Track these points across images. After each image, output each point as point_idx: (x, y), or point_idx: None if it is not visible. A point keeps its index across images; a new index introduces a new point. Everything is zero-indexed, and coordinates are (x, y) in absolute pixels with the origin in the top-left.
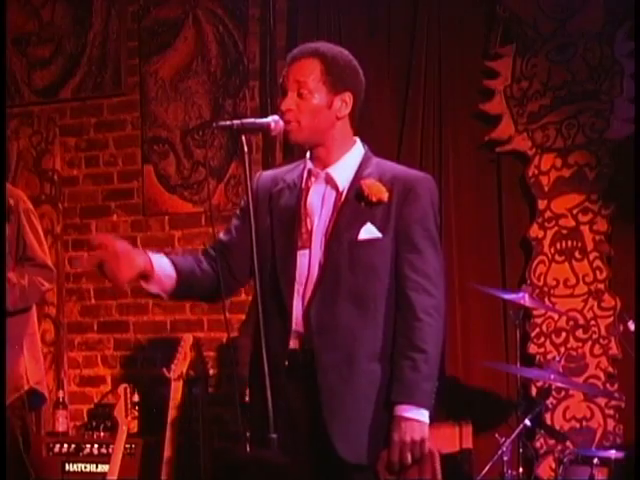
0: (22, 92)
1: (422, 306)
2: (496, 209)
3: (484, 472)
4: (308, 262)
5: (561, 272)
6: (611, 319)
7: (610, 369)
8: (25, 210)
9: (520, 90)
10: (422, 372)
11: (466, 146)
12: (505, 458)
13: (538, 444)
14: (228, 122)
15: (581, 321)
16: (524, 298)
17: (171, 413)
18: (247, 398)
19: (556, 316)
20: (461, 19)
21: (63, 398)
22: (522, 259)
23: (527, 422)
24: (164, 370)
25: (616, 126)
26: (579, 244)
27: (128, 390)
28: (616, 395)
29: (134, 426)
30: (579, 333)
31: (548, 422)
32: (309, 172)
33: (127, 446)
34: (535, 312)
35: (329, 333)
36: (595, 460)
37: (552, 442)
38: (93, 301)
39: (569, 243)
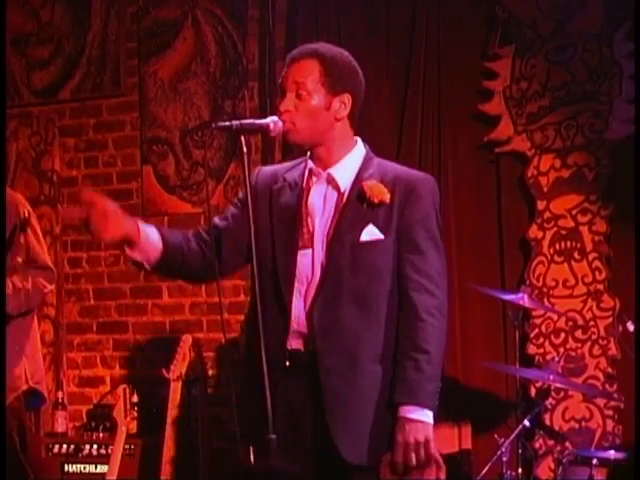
0: (21, 93)
1: (425, 307)
2: (495, 210)
3: (483, 473)
4: (311, 263)
5: (560, 273)
6: (610, 320)
7: (609, 370)
8: (24, 213)
9: (519, 91)
10: (425, 373)
11: (465, 147)
12: (504, 458)
13: (537, 444)
14: (227, 123)
15: (580, 322)
16: (523, 299)
17: (170, 414)
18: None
19: (555, 317)
20: (460, 20)
21: (62, 399)
22: (521, 260)
23: (526, 422)
24: (163, 371)
25: (615, 127)
26: (578, 245)
27: (127, 391)
28: (615, 396)
29: (133, 427)
30: (578, 334)
31: (547, 423)
32: (310, 171)
33: (126, 447)
34: (534, 313)
35: (332, 335)
36: (594, 461)
37: (551, 443)
38: (92, 302)
39: (568, 244)
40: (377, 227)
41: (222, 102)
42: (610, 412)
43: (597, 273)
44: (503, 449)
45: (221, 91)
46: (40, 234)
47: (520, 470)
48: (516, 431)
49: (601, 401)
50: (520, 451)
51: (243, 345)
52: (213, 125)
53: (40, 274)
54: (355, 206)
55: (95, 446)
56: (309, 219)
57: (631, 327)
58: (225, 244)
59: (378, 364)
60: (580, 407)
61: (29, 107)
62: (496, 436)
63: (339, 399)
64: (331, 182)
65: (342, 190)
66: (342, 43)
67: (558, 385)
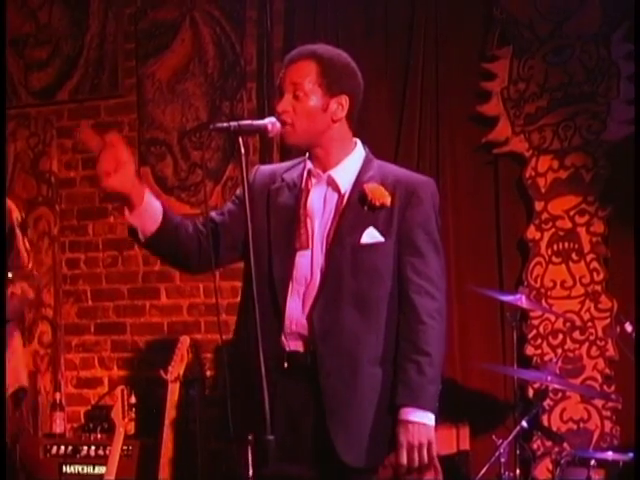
0: (19, 94)
1: (425, 309)
2: (493, 211)
3: (481, 474)
4: (310, 264)
5: (558, 274)
6: (608, 321)
7: (607, 371)
8: (17, 219)
9: (517, 92)
10: (427, 375)
11: (463, 147)
12: (502, 460)
13: (535, 446)
14: (225, 124)
15: (578, 323)
16: (521, 300)
17: (168, 415)
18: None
19: (553, 318)
20: (458, 21)
21: (60, 400)
22: (519, 261)
23: (524, 424)
24: (161, 372)
25: (613, 128)
26: (576, 246)
27: (125, 392)
28: (613, 397)
29: (131, 428)
30: (576, 335)
31: (545, 424)
32: (309, 173)
33: (124, 448)
34: (532, 314)
35: (332, 337)
36: (592, 462)
37: (549, 444)
38: (90, 303)
39: (566, 245)
40: (377, 230)
41: (220, 103)
42: (608, 413)
43: (595, 274)
44: (501, 450)
45: (219, 92)
46: (26, 240)
47: (518, 471)
48: (514, 432)
49: (599, 402)
50: (518, 452)
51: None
52: (211, 126)
53: (25, 281)
54: (356, 208)
55: (93, 447)
56: (308, 220)
57: (629, 328)
58: (220, 239)
59: (378, 367)
60: (578, 408)
61: (27, 108)
62: (494, 437)
63: (339, 401)
64: (331, 184)
65: (342, 192)
66: (340, 44)
67: (556, 386)
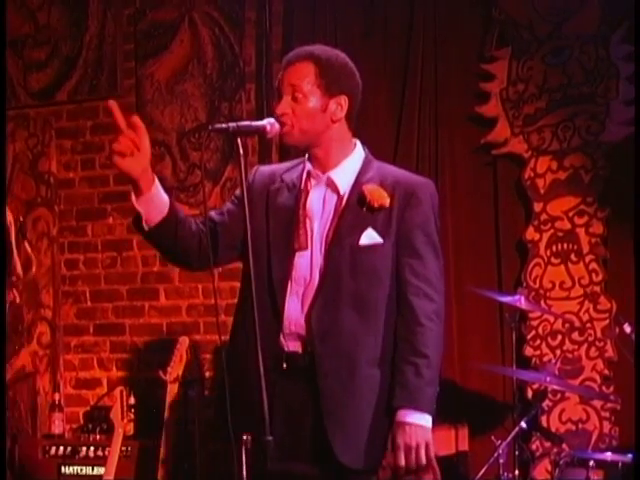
0: (18, 95)
1: (424, 311)
2: (492, 212)
3: (480, 474)
4: (309, 265)
5: (557, 275)
6: (607, 322)
7: (606, 371)
8: (9, 222)
9: (516, 93)
10: (425, 377)
11: (462, 149)
12: (501, 460)
13: (534, 446)
14: (224, 125)
15: (577, 324)
16: (520, 301)
17: (167, 415)
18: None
19: (552, 318)
20: (457, 21)
21: (59, 401)
22: (518, 261)
23: (523, 424)
24: (160, 373)
25: (612, 129)
26: (575, 247)
27: (124, 393)
28: (612, 397)
29: (130, 428)
30: (575, 336)
31: (544, 424)
32: (309, 174)
33: (123, 448)
34: (531, 315)
35: (331, 338)
36: (591, 462)
37: (548, 444)
38: (89, 304)
39: (565, 246)
40: (376, 231)
41: (219, 104)
42: (607, 414)
43: (594, 275)
44: (500, 451)
45: (218, 93)
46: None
47: (517, 472)
48: (513, 433)
49: (598, 403)
50: (517, 453)
51: (229, 345)
52: (210, 127)
53: (13, 285)
54: (355, 210)
55: (92, 448)
56: (307, 221)
57: (628, 329)
58: (220, 238)
59: (376, 368)
60: (577, 409)
61: (26, 109)
62: (493, 438)
63: (337, 403)
64: (330, 185)
65: (342, 193)
66: (339, 45)
67: (555, 387)
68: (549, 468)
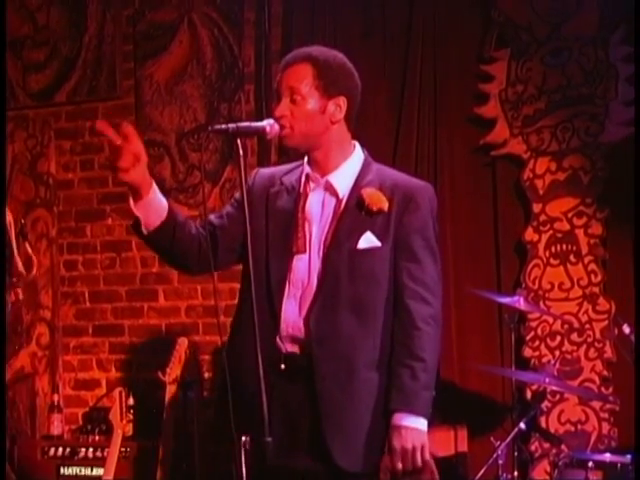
0: (17, 95)
1: (421, 315)
2: (491, 212)
3: (479, 475)
4: (307, 268)
5: (556, 276)
6: (606, 322)
7: (605, 372)
8: (9, 223)
9: (515, 94)
10: (421, 381)
11: (461, 149)
12: (500, 461)
13: (533, 447)
14: (223, 126)
15: (576, 324)
16: (519, 302)
17: (166, 416)
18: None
19: (551, 319)
20: (456, 22)
21: (58, 401)
22: (517, 262)
23: (522, 425)
24: (159, 373)
25: (611, 130)
26: (574, 248)
27: (123, 393)
28: (611, 398)
29: (129, 429)
30: (574, 336)
31: (543, 425)
32: (307, 177)
33: (122, 449)
34: (530, 315)
35: (329, 341)
36: (590, 463)
37: (547, 445)
38: (88, 304)
39: (564, 247)
40: (375, 235)
41: (218, 105)
42: (606, 415)
43: (593, 276)
44: (499, 452)
45: (217, 94)
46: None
47: (516, 473)
48: (512, 434)
49: (597, 404)
50: (516, 454)
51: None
52: (209, 128)
53: (15, 284)
54: (354, 213)
55: (91, 449)
56: (306, 224)
57: (627, 330)
58: (219, 241)
59: (374, 371)
60: (576, 410)
61: (25, 110)
62: (492, 439)
63: (335, 405)
64: (329, 189)
65: (340, 197)
66: (338, 46)
67: (554, 388)
68: (548, 469)
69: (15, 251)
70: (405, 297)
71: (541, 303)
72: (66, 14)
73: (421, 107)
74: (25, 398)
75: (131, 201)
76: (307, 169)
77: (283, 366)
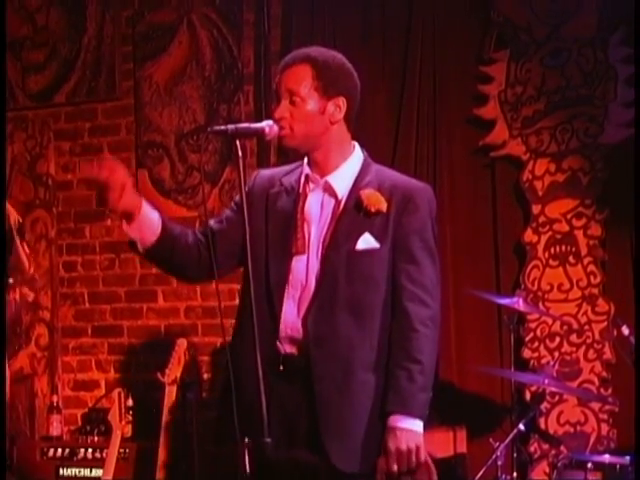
0: (16, 96)
1: (418, 317)
2: (490, 214)
3: (478, 476)
4: (305, 269)
5: (555, 277)
6: (605, 324)
7: (604, 374)
8: (15, 222)
9: (514, 95)
10: (418, 383)
11: (460, 151)
12: (499, 463)
13: (532, 448)
14: (222, 127)
15: (575, 326)
16: (518, 303)
17: (165, 417)
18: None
19: (550, 321)
20: (455, 24)
21: (57, 402)
22: (516, 264)
23: (521, 426)
24: (158, 374)
25: (610, 131)
26: (573, 249)
27: (122, 394)
28: (610, 400)
29: (128, 430)
30: (573, 338)
31: (542, 427)
32: (307, 178)
33: (121, 450)
34: (529, 317)
35: (326, 342)
36: (589, 465)
37: (546, 446)
38: (87, 305)
39: (563, 248)
40: (373, 236)
41: (217, 106)
42: (605, 416)
43: (592, 277)
44: (498, 453)
45: (216, 95)
46: (25, 244)
47: (515, 474)
48: (511, 435)
49: (596, 405)
50: (515, 455)
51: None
52: (208, 129)
53: (25, 284)
54: (352, 214)
55: (90, 450)
56: (305, 225)
57: (626, 331)
58: (219, 246)
59: (372, 373)
60: (575, 411)
61: (24, 111)
62: (491, 440)
63: (332, 406)
64: (328, 190)
65: (339, 198)
66: (337, 47)
67: (553, 389)
68: (547, 470)
69: (20, 248)
70: (403, 299)
71: (540, 304)
72: (65, 15)
73: (420, 108)
74: (24, 399)
75: (124, 224)
76: (307, 170)
77: (282, 367)
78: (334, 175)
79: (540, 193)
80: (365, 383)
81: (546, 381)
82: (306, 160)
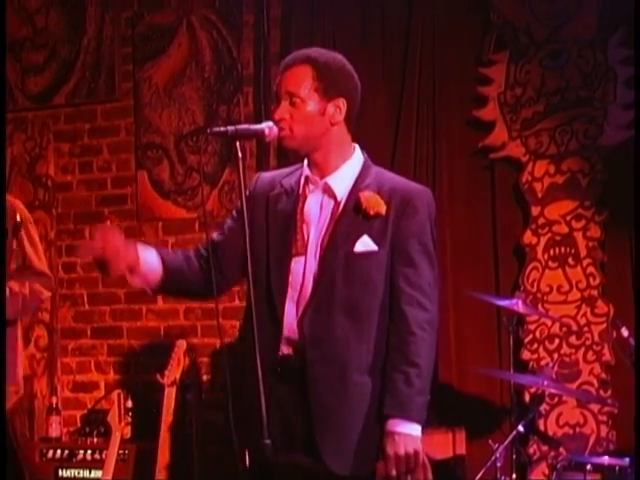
0: (16, 98)
1: (416, 320)
2: (489, 215)
3: (478, 478)
4: (303, 270)
5: (554, 278)
6: (604, 325)
7: (603, 375)
8: (24, 220)
9: (514, 96)
10: (415, 386)
11: (460, 152)
12: (498, 464)
13: (531, 450)
14: (222, 128)
15: (574, 327)
16: (518, 304)
17: (165, 419)
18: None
19: (549, 322)
20: (455, 25)
21: (56, 404)
22: (515, 265)
23: (520, 428)
24: (158, 376)
25: (609, 132)
26: (572, 250)
27: (122, 396)
28: (609, 401)
29: (127, 432)
30: (572, 339)
31: (541, 428)
32: (306, 179)
33: (120, 452)
34: (528, 318)
35: (323, 345)
36: (588, 466)
37: (545, 448)
38: (87, 307)
39: (562, 249)
40: (372, 238)
41: (217, 107)
42: (604, 418)
43: (591, 279)
44: (497, 454)
45: (216, 96)
46: (37, 240)
47: (514, 476)
48: (510, 436)
49: (595, 407)
50: (514, 456)
51: (238, 350)
52: (208, 131)
53: (37, 280)
54: (351, 216)
55: (89, 451)
56: (304, 227)
57: (625, 333)
58: (224, 258)
59: (367, 375)
60: (574, 413)
61: (24, 112)
62: (490, 441)
63: (326, 408)
64: (327, 191)
65: (339, 199)
66: (337, 48)
67: (552, 391)
68: (546, 472)
69: (27, 245)
70: (401, 302)
71: (539, 306)
72: (65, 16)
73: (420, 109)
74: (24, 400)
75: (127, 277)
76: (306, 171)
77: (279, 368)
78: (333, 176)
79: (539, 195)
80: (361, 385)
81: (545, 383)
82: (306, 162)
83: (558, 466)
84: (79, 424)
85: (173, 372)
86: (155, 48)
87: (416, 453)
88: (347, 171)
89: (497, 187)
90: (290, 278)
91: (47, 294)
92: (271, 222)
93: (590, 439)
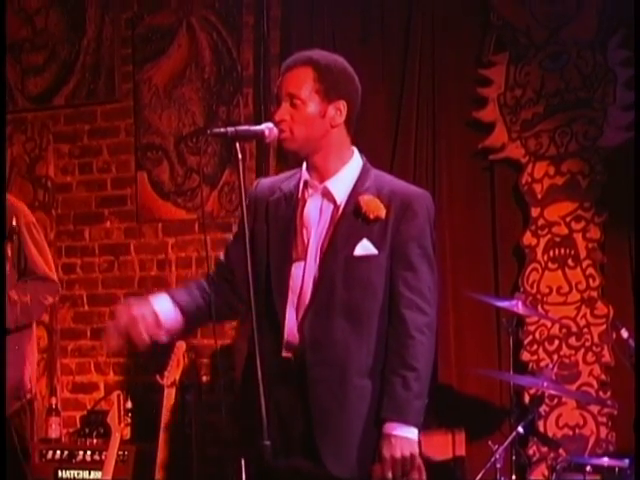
0: (16, 99)
1: (415, 324)
2: (489, 216)
3: (477, 479)
4: (302, 274)
5: (554, 280)
6: (604, 327)
7: (603, 377)
8: (26, 224)
9: (513, 98)
10: (413, 390)
11: (459, 154)
12: (498, 465)
13: (531, 451)
14: (222, 129)
15: (574, 329)
16: (517, 306)
17: (164, 420)
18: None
19: (549, 324)
20: (455, 26)
21: (56, 405)
22: (515, 266)
23: (520, 429)
24: (157, 377)
25: (609, 134)
26: (572, 252)
27: (121, 397)
28: (609, 403)
29: (127, 433)
30: (572, 341)
31: (541, 429)
32: (305, 183)
33: (120, 453)
34: (528, 319)
35: (322, 348)
36: (588, 467)
37: (545, 449)
38: (86, 307)
39: (562, 251)
40: (371, 242)
41: (217, 108)
42: (604, 419)
43: (591, 280)
44: (497, 456)
45: (216, 97)
46: (42, 243)
47: (514, 477)
48: (510, 438)
49: (595, 408)
50: (514, 458)
51: (235, 350)
52: (208, 132)
53: (41, 286)
54: (350, 220)
55: (89, 452)
56: (304, 231)
57: (625, 334)
58: (234, 278)
59: (367, 378)
60: (574, 414)
61: (23, 113)
62: (490, 443)
63: (326, 411)
64: (327, 195)
65: (338, 203)
66: (337, 50)
67: (552, 392)
68: (546, 473)
69: (32, 248)
70: (401, 306)
71: (539, 307)
72: (65, 17)
73: (420, 110)
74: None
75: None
76: (305, 175)
77: (280, 372)
78: (333, 180)
79: (539, 196)
80: (361, 388)
81: (545, 384)
82: (305, 166)
83: (558, 467)
84: (79, 425)
85: (173, 373)
86: (155, 49)
87: (412, 456)
88: (346, 175)
89: (497, 188)
90: (290, 282)
91: (51, 300)
92: (271, 227)
93: (590, 440)
